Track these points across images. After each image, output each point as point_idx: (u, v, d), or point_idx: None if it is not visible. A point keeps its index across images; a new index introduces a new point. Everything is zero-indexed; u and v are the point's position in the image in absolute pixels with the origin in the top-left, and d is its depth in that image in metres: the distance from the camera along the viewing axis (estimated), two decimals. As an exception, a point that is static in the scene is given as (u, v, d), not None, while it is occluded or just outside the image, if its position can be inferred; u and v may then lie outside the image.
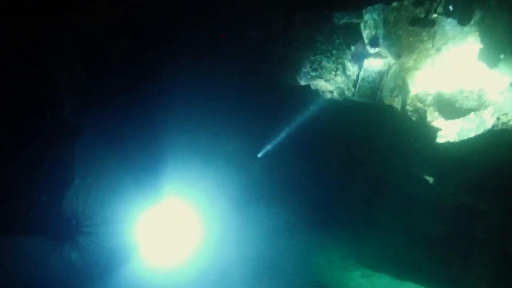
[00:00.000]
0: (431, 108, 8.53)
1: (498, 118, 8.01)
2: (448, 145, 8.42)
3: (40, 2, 5.80)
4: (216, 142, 9.44)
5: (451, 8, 6.73)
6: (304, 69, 9.42)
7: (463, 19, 6.97)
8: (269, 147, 9.52)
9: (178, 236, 9.70)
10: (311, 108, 9.45)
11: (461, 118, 8.23)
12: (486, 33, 7.74)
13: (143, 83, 8.43)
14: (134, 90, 8.27)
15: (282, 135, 9.48)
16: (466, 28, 8.16)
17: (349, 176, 9.17)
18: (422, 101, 8.64)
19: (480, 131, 8.10)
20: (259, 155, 9.50)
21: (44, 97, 6.54)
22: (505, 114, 8.05)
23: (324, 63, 9.30)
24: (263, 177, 9.52)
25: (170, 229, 9.61)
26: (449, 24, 8.26)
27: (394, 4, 8.49)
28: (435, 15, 7.19)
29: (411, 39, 8.60)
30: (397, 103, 8.90)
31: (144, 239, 9.10)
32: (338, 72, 9.30)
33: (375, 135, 9.23)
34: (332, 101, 9.43)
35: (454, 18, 7.13)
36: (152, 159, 8.91)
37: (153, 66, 8.50)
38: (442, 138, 8.48)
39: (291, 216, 9.16)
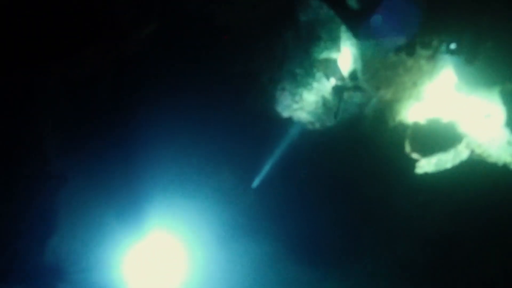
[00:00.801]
0: (409, 140, 8.89)
1: (472, 151, 8.47)
2: (426, 176, 8.79)
3: (27, 50, 5.62)
4: (200, 175, 9.36)
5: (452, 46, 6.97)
6: (285, 102, 9.55)
7: (469, 59, 7.28)
8: (254, 179, 9.53)
9: (164, 271, 9.50)
10: (294, 139, 9.56)
11: (438, 149, 8.65)
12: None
13: (126, 119, 8.30)
14: (117, 127, 8.12)
15: (267, 166, 9.52)
16: (441, 63, 8.64)
17: (333, 206, 9.31)
18: (400, 132, 9.00)
19: (456, 162, 8.51)
20: (245, 187, 9.49)
21: (29, 146, 6.28)
22: (479, 146, 8.51)
23: (305, 95, 9.47)
24: (249, 209, 9.49)
25: (155, 264, 9.38)
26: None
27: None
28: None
29: (388, 73, 8.94)
30: (376, 135, 9.19)
31: (130, 278, 8.83)
32: (319, 105, 9.49)
33: (357, 165, 9.44)
34: (314, 132, 9.60)
35: (459, 57, 7.44)
36: (136, 196, 8.73)
37: (138, 102, 8.40)
38: (421, 168, 8.86)
39: (277, 249, 9.17)
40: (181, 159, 9.49)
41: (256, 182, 9.64)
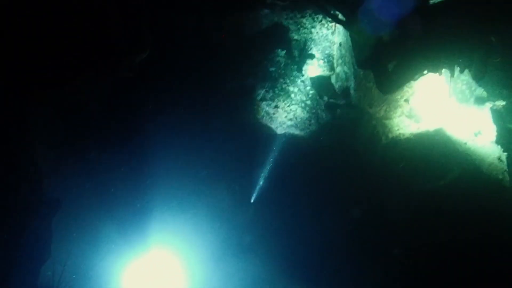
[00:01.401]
0: (402, 156, 8.98)
1: (464, 167, 8.58)
2: (419, 192, 8.87)
3: (19, 78, 5.59)
4: (197, 192, 9.36)
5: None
6: (279, 119, 9.60)
7: (478, 75, 7.35)
8: (250, 195, 9.55)
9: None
10: (288, 156, 9.60)
11: (430, 166, 8.74)
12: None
13: (122, 139, 8.30)
14: (113, 147, 8.11)
15: (263, 182, 9.56)
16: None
17: (329, 222, 9.35)
18: (393, 149, 9.09)
19: (448, 179, 8.61)
20: (241, 204, 9.51)
21: (23, 174, 6.21)
22: (471, 162, 8.62)
23: (298, 113, 9.53)
24: (246, 226, 9.49)
25: (153, 282, 9.36)
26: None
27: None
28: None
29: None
30: (370, 152, 9.27)
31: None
32: (312, 121, 9.55)
33: (351, 181, 9.50)
34: (308, 149, 9.65)
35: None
36: (135, 214, 8.72)
37: (133, 122, 8.40)
38: (413, 185, 8.94)
39: (270, 269, 9.17)
40: (178, 176, 9.49)
41: (252, 198, 9.67)
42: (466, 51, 7.31)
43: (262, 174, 9.69)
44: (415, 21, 6.56)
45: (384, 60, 7.58)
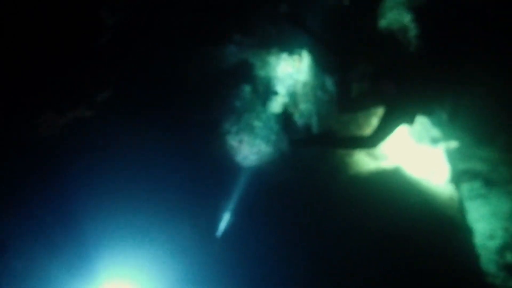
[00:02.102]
0: (361, 193, 9.22)
1: (420, 204, 8.89)
2: (378, 227, 9.09)
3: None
4: (158, 228, 9.19)
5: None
6: (244, 153, 9.71)
7: (451, 118, 7.63)
8: (214, 230, 9.48)
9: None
10: (252, 189, 9.66)
11: (389, 203, 9.01)
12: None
13: (74, 173, 8.19)
14: (63, 181, 7.97)
15: (228, 217, 9.53)
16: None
17: (291, 258, 9.40)
18: (353, 185, 9.33)
19: (406, 215, 8.88)
20: (204, 238, 9.39)
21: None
22: (428, 199, 8.95)
23: (263, 147, 9.68)
24: (208, 262, 9.37)
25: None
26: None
27: (326, 98, 9.28)
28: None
29: (341, 128, 9.37)
30: (330, 187, 9.48)
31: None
32: (276, 156, 9.72)
33: (314, 216, 9.62)
34: (272, 182, 9.75)
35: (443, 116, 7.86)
36: (87, 250, 8.44)
37: (91, 156, 8.29)
38: (373, 221, 9.15)
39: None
40: (139, 212, 9.32)
41: (218, 233, 9.61)
42: (437, 101, 7.68)
43: (228, 208, 9.68)
44: (387, 83, 6.78)
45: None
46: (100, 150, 8.35)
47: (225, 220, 9.70)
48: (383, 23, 8.81)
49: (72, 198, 8.24)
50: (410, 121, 7.13)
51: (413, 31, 8.13)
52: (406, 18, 8.33)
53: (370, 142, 7.03)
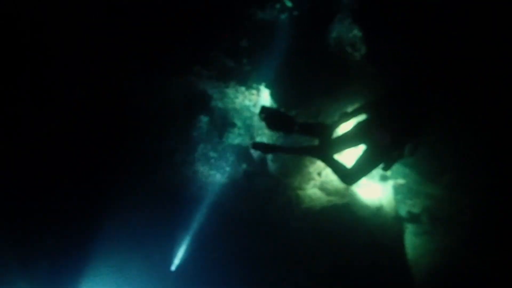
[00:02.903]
0: (312, 226, 9.39)
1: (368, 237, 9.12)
2: (328, 260, 9.25)
3: None
4: (110, 265, 9.01)
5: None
6: (198, 183, 9.72)
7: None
8: (169, 264, 9.39)
9: None
10: (207, 221, 9.64)
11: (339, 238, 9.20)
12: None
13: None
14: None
15: (183, 250, 9.48)
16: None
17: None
18: (305, 219, 9.49)
19: (355, 251, 9.08)
20: (159, 274, 9.28)
21: None
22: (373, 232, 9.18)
23: (217, 178, 9.73)
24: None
25: None
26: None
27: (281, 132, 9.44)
28: None
29: (296, 162, 9.54)
30: (283, 221, 9.60)
31: None
32: (230, 188, 9.78)
33: (265, 248, 9.69)
34: (225, 214, 9.78)
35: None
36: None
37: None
38: (324, 255, 9.31)
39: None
40: (86, 238, 9.12)
41: (172, 266, 9.51)
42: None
43: (182, 240, 9.61)
44: (382, 133, 6.73)
45: None
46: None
47: (179, 252, 9.62)
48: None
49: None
50: (389, 167, 7.14)
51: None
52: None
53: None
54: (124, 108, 9.35)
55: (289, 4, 9.60)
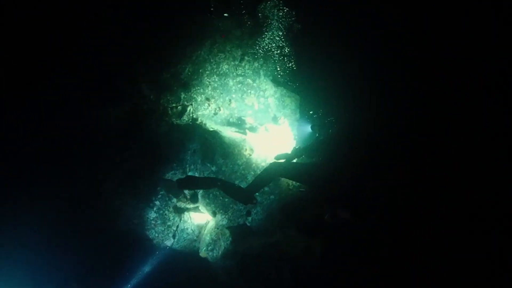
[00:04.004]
0: (239, 267, 9.26)
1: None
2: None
3: None
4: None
5: None
6: (126, 216, 9.45)
7: None
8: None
9: None
10: (132, 256, 9.37)
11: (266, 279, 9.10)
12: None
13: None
14: None
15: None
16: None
17: None
18: (233, 257, 9.36)
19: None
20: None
21: None
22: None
23: (146, 211, 9.50)
24: None
25: None
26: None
27: (213, 168, 9.39)
28: None
29: (226, 200, 9.46)
30: (211, 257, 9.45)
31: None
32: (158, 222, 9.56)
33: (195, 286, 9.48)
34: (153, 249, 9.55)
35: None
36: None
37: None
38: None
39: None
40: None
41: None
42: None
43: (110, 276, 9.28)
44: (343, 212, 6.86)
45: None
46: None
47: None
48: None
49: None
50: None
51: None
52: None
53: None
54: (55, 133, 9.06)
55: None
